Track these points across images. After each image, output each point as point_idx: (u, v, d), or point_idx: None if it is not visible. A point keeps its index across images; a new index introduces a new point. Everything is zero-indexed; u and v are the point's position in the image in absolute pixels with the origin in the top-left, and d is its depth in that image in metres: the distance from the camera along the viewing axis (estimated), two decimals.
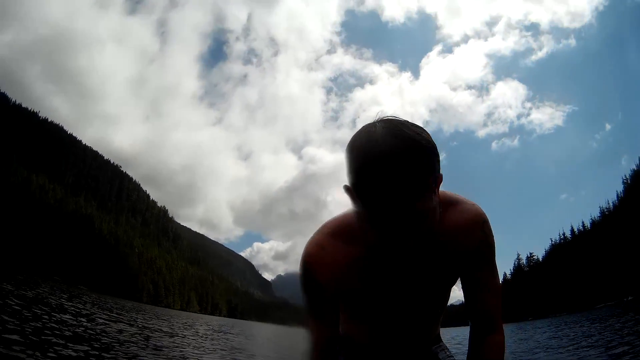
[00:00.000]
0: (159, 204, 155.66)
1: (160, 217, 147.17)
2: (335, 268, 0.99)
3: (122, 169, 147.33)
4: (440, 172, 0.86)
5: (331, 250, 1.00)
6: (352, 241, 0.99)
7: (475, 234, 1.01)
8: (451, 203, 1.02)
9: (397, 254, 0.95)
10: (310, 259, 1.00)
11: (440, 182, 0.87)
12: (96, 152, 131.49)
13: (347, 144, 0.82)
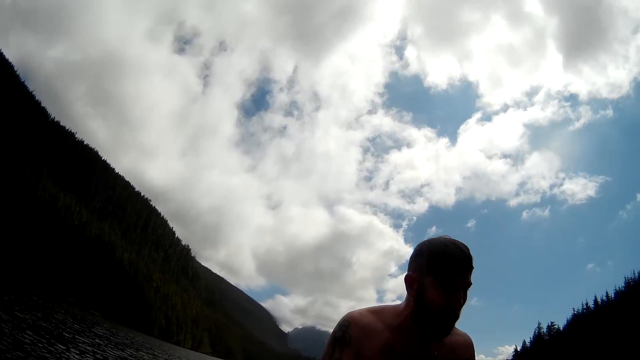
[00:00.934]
0: (182, 242, 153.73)
1: (183, 255, 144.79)
2: (367, 335, 1.26)
3: (151, 203, 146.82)
4: None
5: (369, 322, 1.29)
6: (387, 324, 1.29)
7: (469, 351, 1.38)
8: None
9: (436, 328, 1.25)
10: (351, 317, 1.30)
11: None
12: (128, 182, 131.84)
13: (424, 248, 1.29)
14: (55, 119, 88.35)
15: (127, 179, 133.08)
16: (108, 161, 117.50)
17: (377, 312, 1.33)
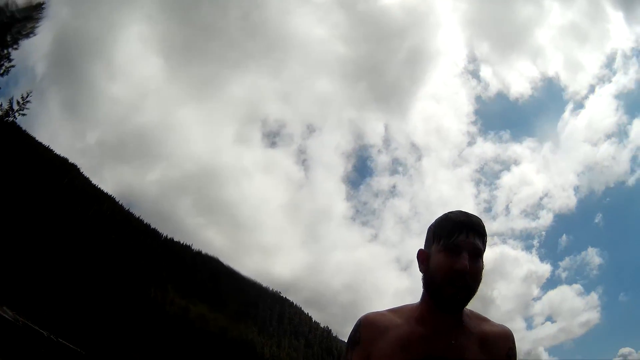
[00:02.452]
0: (322, 325, 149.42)
1: (324, 338, 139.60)
2: (380, 332, 1.25)
3: (282, 295, 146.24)
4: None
5: (383, 320, 1.28)
6: (404, 319, 1.27)
7: (505, 343, 1.28)
8: (485, 319, 1.34)
9: (452, 297, 1.20)
10: (364, 318, 1.31)
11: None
12: (254, 281, 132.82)
13: (433, 222, 1.31)
14: (169, 237, 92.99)
15: (253, 278, 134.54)
16: (231, 265, 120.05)
17: (394, 311, 1.33)
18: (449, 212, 1.29)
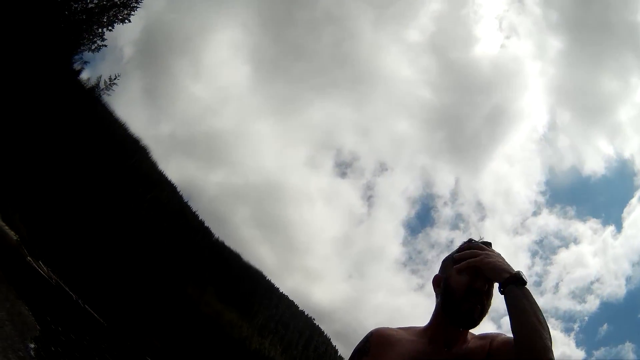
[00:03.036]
0: None
1: None
2: (389, 344, 1.32)
3: (315, 322, 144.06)
4: None
5: (392, 334, 1.36)
6: (413, 335, 1.35)
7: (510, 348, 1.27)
8: (481, 336, 1.41)
9: (467, 312, 1.30)
10: (375, 330, 1.39)
11: None
12: (292, 302, 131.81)
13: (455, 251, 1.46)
14: (220, 239, 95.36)
15: (291, 298, 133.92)
16: (272, 281, 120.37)
17: (404, 329, 1.41)
18: (468, 241, 1.42)
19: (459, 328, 1.35)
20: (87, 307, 20.60)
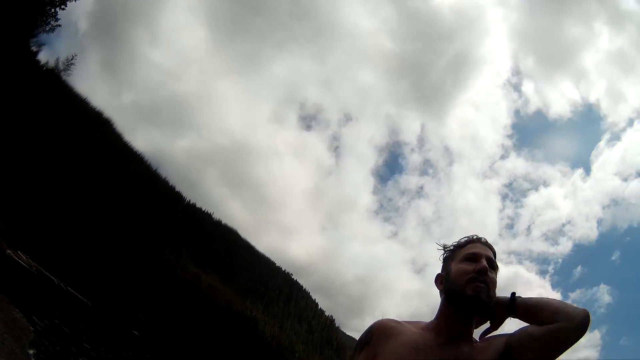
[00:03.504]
0: (326, 313, 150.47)
1: (326, 326, 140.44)
2: (392, 334, 1.32)
3: (293, 277, 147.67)
4: None
5: (396, 325, 1.35)
6: (417, 327, 1.34)
7: (501, 336, 1.35)
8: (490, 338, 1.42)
9: (474, 298, 1.30)
10: (378, 321, 1.39)
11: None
12: (269, 259, 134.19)
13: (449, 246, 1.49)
14: (191, 202, 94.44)
15: (268, 256, 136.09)
16: (249, 240, 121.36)
17: (410, 322, 1.40)
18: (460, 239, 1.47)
19: (468, 318, 1.33)
20: (69, 289, 20.49)
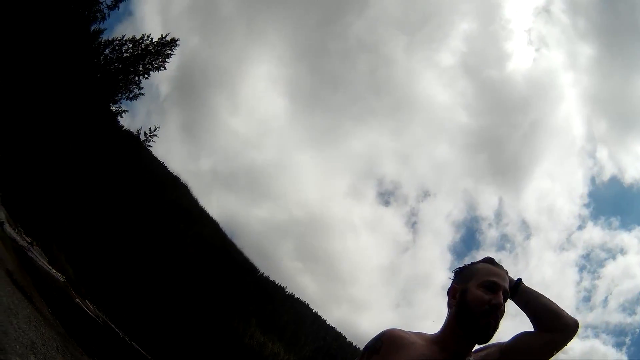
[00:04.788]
0: None
1: None
2: (400, 346, 1.32)
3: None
4: None
5: (405, 336, 1.38)
6: (425, 340, 1.37)
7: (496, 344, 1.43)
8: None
9: (487, 322, 1.33)
10: (387, 330, 1.41)
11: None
12: (339, 333, 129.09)
13: (470, 263, 1.54)
14: (265, 274, 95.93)
15: (338, 329, 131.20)
16: (319, 313, 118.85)
17: (417, 333, 1.44)
18: (488, 257, 1.50)
19: (472, 342, 1.38)
20: (134, 344, 21.05)
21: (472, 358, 1.39)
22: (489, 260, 1.48)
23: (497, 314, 1.36)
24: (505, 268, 1.50)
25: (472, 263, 1.51)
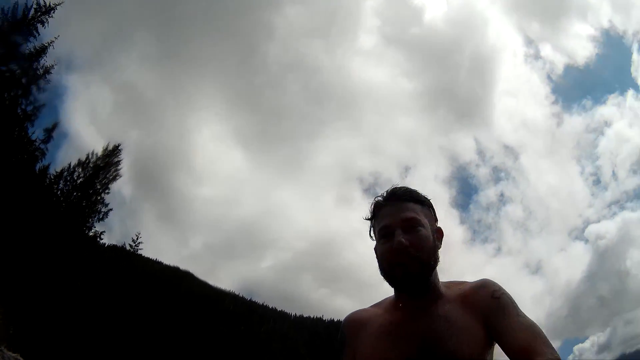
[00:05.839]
0: None
1: None
2: (362, 326, 1.26)
3: None
4: (440, 226, 1.30)
5: (363, 315, 1.30)
6: (384, 310, 1.27)
7: (484, 290, 1.22)
8: (463, 282, 1.29)
9: (402, 275, 1.18)
10: (346, 317, 1.35)
11: (441, 235, 1.29)
12: None
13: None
14: (297, 314, 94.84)
15: None
16: None
17: (376, 305, 1.34)
18: (375, 196, 1.31)
19: (406, 294, 1.25)
20: None
21: (452, 299, 1.23)
22: (379, 197, 1.30)
23: (401, 258, 1.17)
24: (397, 188, 1.29)
25: (371, 208, 1.31)
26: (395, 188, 1.28)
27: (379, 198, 1.28)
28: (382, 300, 1.34)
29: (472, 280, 1.29)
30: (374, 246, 1.28)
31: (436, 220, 1.31)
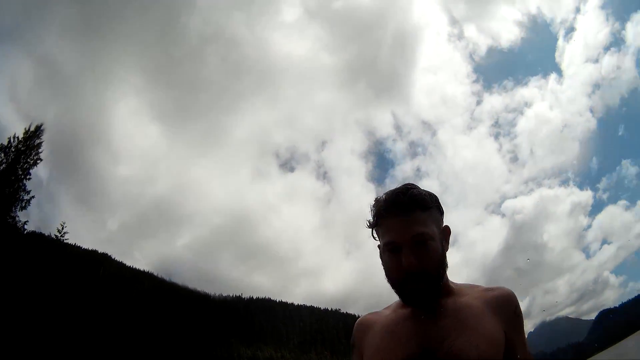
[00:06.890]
0: None
1: None
2: (369, 328, 1.24)
3: (341, 311, 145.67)
4: (446, 224, 1.24)
5: (371, 317, 1.27)
6: (392, 311, 1.24)
7: (509, 303, 1.18)
8: (478, 285, 1.24)
9: (412, 285, 1.12)
10: (357, 321, 1.35)
11: (449, 233, 1.22)
12: (312, 307, 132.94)
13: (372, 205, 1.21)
14: (217, 294, 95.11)
15: (309, 304, 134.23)
16: (284, 300, 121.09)
17: (389, 306, 1.31)
18: (377, 200, 1.19)
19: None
20: None
21: (461, 299, 1.18)
22: (382, 208, 1.17)
23: (416, 275, 1.10)
24: (402, 194, 1.16)
25: (373, 215, 1.19)
26: (399, 195, 1.16)
27: (382, 204, 1.17)
28: (393, 303, 1.28)
29: (488, 285, 1.24)
30: (379, 250, 1.22)
31: (442, 213, 1.23)
